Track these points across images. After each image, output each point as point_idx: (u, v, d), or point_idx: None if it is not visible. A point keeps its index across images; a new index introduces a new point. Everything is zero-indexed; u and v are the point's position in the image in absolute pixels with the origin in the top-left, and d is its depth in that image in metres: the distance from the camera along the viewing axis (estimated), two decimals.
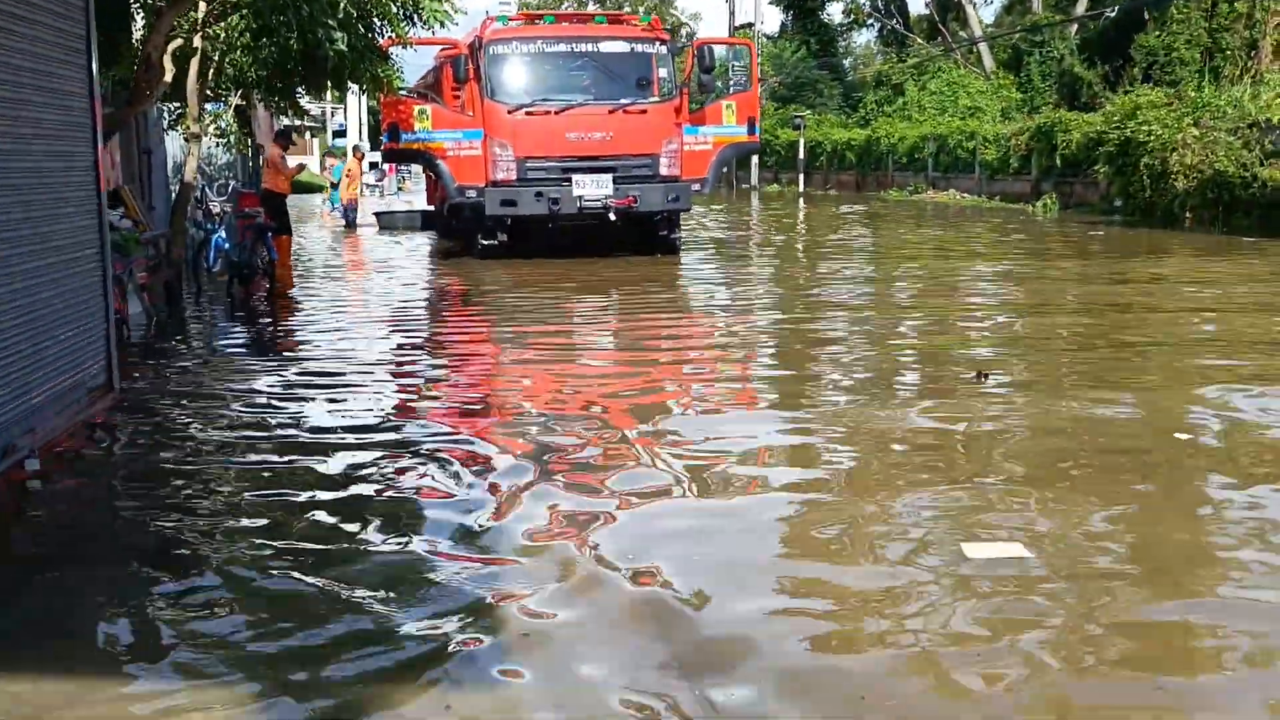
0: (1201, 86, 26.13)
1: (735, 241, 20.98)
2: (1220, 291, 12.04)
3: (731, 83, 16.46)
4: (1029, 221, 24.34)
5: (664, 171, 15.47)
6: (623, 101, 15.32)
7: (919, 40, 41.49)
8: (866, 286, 13.05)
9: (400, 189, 41.95)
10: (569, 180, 15.13)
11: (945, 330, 9.72)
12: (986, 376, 6.59)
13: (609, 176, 15.19)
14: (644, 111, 15.38)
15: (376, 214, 25.30)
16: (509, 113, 15.15)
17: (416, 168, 28.58)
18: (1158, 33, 31.02)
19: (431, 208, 22.89)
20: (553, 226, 15.78)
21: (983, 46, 39.06)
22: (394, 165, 34.21)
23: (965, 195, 31.92)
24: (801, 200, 35.31)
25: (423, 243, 20.64)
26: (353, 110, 42.18)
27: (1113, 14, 32.21)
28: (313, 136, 65.21)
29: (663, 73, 15.80)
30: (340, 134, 47.05)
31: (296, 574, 4.13)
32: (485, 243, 15.78)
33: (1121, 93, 31.79)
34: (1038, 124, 29.14)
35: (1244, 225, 20.69)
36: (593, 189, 15.12)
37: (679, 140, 15.67)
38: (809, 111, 41.98)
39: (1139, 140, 22.98)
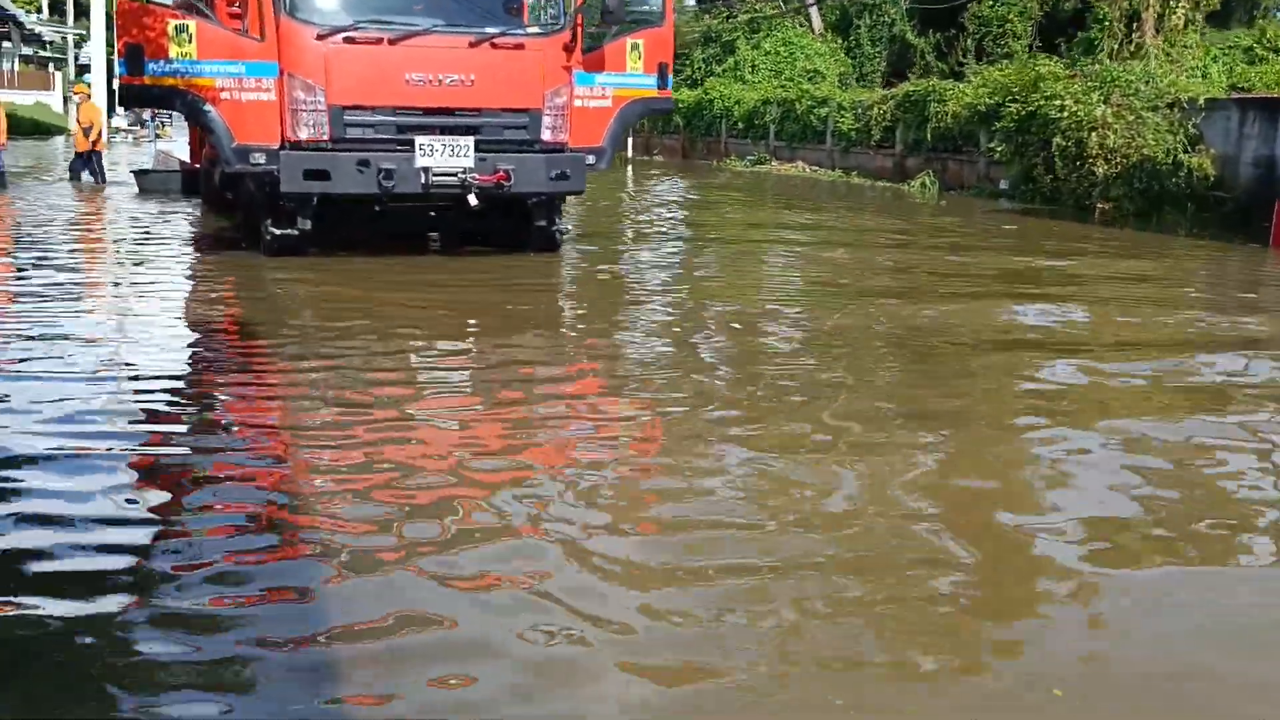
0: (1036, 56, 23.41)
1: (618, 233, 16.10)
2: None
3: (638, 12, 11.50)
4: (919, 205, 20.92)
5: (548, 136, 10.62)
6: (489, 30, 10.38)
7: None
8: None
9: (159, 135, 34.15)
10: (409, 144, 10.15)
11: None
12: None
13: (469, 140, 10.28)
14: (520, 46, 10.49)
15: (135, 172, 19.11)
16: (318, 38, 9.92)
17: None
18: (990, 3, 29.44)
19: (197, 165, 17.08)
20: (381, 210, 10.82)
21: (812, 8, 35.76)
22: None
23: (815, 168, 28.45)
24: (630, 169, 30.83)
25: (180, 216, 15.08)
26: (99, 40, 32.82)
27: None
28: (56, 69, 56.16)
29: None
30: (86, 68, 38.82)
31: None
32: (277, 232, 10.62)
33: (956, 63, 29.40)
34: (906, 91, 25.84)
35: (1173, 221, 17.92)
36: (446, 158, 10.23)
37: (569, 91, 10.90)
38: None
39: (1048, 117, 19.88)
